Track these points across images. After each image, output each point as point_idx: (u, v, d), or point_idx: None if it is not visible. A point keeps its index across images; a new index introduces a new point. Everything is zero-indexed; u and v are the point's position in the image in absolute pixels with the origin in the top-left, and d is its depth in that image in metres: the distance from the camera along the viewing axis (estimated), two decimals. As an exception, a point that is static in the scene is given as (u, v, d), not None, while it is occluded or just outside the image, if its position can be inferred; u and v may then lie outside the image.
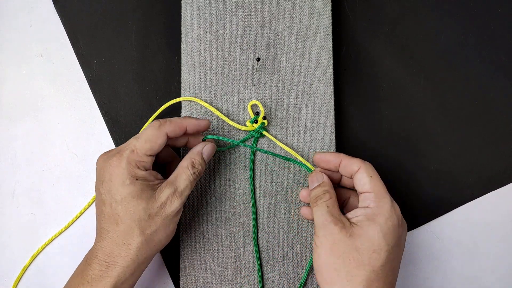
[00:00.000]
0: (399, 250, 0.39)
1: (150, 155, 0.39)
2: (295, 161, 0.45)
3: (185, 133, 0.41)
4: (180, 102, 0.46)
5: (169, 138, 0.40)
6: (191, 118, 0.42)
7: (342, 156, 0.42)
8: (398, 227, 0.38)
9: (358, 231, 0.37)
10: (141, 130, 0.42)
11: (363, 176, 0.40)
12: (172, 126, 0.39)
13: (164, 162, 0.44)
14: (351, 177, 0.41)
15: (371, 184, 0.39)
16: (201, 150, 0.41)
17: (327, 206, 0.39)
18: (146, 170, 0.38)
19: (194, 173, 0.40)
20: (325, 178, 0.42)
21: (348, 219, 0.39)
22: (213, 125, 0.46)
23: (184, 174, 0.40)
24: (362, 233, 0.37)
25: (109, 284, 0.37)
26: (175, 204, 0.38)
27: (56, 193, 0.49)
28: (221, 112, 0.46)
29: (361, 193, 0.40)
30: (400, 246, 0.39)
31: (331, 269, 0.37)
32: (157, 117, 0.48)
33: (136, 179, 0.37)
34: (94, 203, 0.40)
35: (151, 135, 0.38)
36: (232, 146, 0.46)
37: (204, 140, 0.43)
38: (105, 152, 0.39)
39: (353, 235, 0.37)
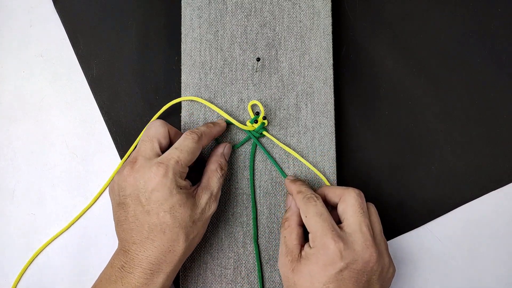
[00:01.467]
0: (343, 285, 0.36)
1: (188, 166, 0.40)
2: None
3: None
4: (180, 103, 0.46)
5: None
6: (215, 126, 0.44)
7: (291, 198, 0.42)
8: (332, 265, 0.36)
9: (299, 267, 0.38)
10: (147, 125, 0.42)
11: (302, 217, 0.40)
12: (207, 139, 0.42)
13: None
14: None
15: (307, 224, 0.39)
16: (223, 152, 0.44)
17: (284, 236, 0.41)
18: (185, 180, 0.40)
19: (222, 175, 0.42)
20: (293, 204, 0.42)
21: (303, 251, 0.39)
22: (213, 125, 0.46)
23: (214, 177, 0.42)
24: (300, 269, 0.38)
25: None
26: (213, 208, 0.41)
27: (56, 193, 0.49)
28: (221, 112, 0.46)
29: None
30: (343, 282, 0.36)
31: None
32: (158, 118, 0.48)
33: (181, 188, 0.39)
34: (113, 215, 0.40)
35: (192, 148, 0.40)
36: (237, 147, 0.46)
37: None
38: (131, 163, 0.39)
39: (294, 270, 0.38)
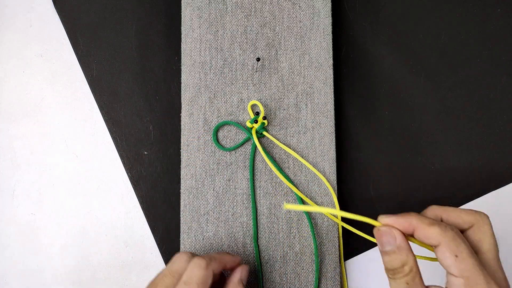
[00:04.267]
0: None
1: None
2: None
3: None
4: (180, 104, 0.46)
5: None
6: (228, 255, 0.41)
7: (415, 222, 0.32)
8: None
9: None
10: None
11: (445, 256, 0.31)
12: (216, 265, 0.38)
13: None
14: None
15: (459, 268, 0.30)
16: (240, 278, 0.40)
17: (407, 283, 0.32)
18: None
19: None
20: (399, 239, 0.33)
21: None
22: (214, 125, 0.46)
23: None
24: None
25: None
26: None
27: (56, 193, 0.49)
28: (221, 112, 0.46)
29: (447, 273, 0.32)
30: None
31: None
32: (153, 119, 0.48)
33: None
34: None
35: (201, 277, 0.37)
36: (237, 146, 0.46)
37: None
38: None
39: None
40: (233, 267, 0.41)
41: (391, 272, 0.33)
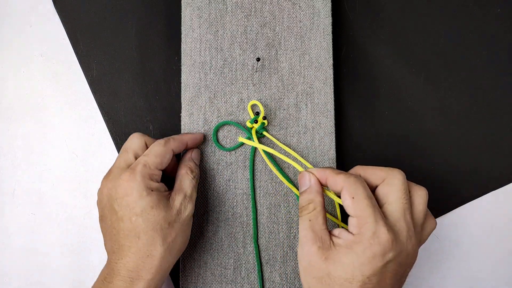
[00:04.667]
0: (383, 279, 0.34)
1: (160, 169, 0.40)
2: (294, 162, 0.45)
3: (186, 147, 0.44)
4: (180, 104, 0.46)
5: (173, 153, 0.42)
6: (189, 134, 0.45)
7: (328, 172, 0.38)
8: (382, 256, 0.34)
9: (334, 255, 0.34)
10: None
11: (345, 198, 0.36)
12: (176, 143, 0.42)
13: (171, 175, 0.44)
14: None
15: (353, 207, 0.35)
16: (191, 156, 0.44)
17: (309, 220, 0.37)
18: (158, 182, 0.40)
19: (194, 177, 0.42)
20: (312, 182, 0.39)
21: (334, 237, 0.36)
22: (214, 125, 0.46)
23: (186, 179, 0.41)
24: (338, 259, 0.34)
25: None
26: (189, 208, 0.40)
27: (56, 193, 0.49)
28: (221, 112, 0.46)
29: (349, 216, 0.36)
30: (384, 275, 0.34)
31: (306, 286, 0.36)
32: (153, 119, 0.48)
33: (152, 190, 0.38)
34: (99, 220, 0.41)
35: (159, 151, 0.40)
36: (237, 146, 0.46)
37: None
38: (106, 175, 0.40)
39: (328, 259, 0.34)
40: (197, 144, 0.45)
41: (300, 210, 0.38)
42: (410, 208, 0.36)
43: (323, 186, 0.39)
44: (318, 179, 0.39)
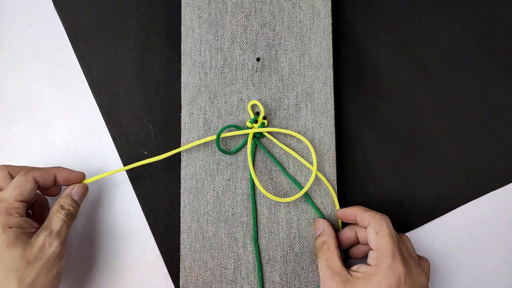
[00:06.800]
0: None
1: (22, 201, 0.39)
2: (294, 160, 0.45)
3: (56, 183, 0.42)
4: (180, 104, 0.46)
5: (40, 187, 0.41)
6: (64, 168, 0.43)
7: (357, 209, 0.42)
8: (397, 287, 0.37)
9: (353, 287, 0.37)
10: None
11: (369, 232, 0.40)
12: (39, 172, 0.41)
13: (42, 214, 0.43)
14: None
15: (376, 242, 0.39)
16: (70, 192, 0.42)
17: (326, 259, 0.40)
18: (21, 216, 0.38)
19: (66, 214, 0.41)
20: (325, 226, 0.43)
21: (352, 272, 0.39)
22: (214, 125, 0.46)
23: (56, 216, 0.40)
24: None
25: None
26: (55, 245, 0.38)
27: (56, 193, 0.49)
28: (221, 112, 0.46)
29: (370, 250, 0.40)
30: None
31: None
32: (153, 119, 0.48)
33: (9, 227, 0.37)
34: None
35: (18, 181, 0.39)
36: (238, 148, 0.46)
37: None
38: None
39: None
40: (70, 181, 0.43)
41: (316, 252, 0.42)
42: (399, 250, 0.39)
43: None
44: (330, 223, 0.44)
